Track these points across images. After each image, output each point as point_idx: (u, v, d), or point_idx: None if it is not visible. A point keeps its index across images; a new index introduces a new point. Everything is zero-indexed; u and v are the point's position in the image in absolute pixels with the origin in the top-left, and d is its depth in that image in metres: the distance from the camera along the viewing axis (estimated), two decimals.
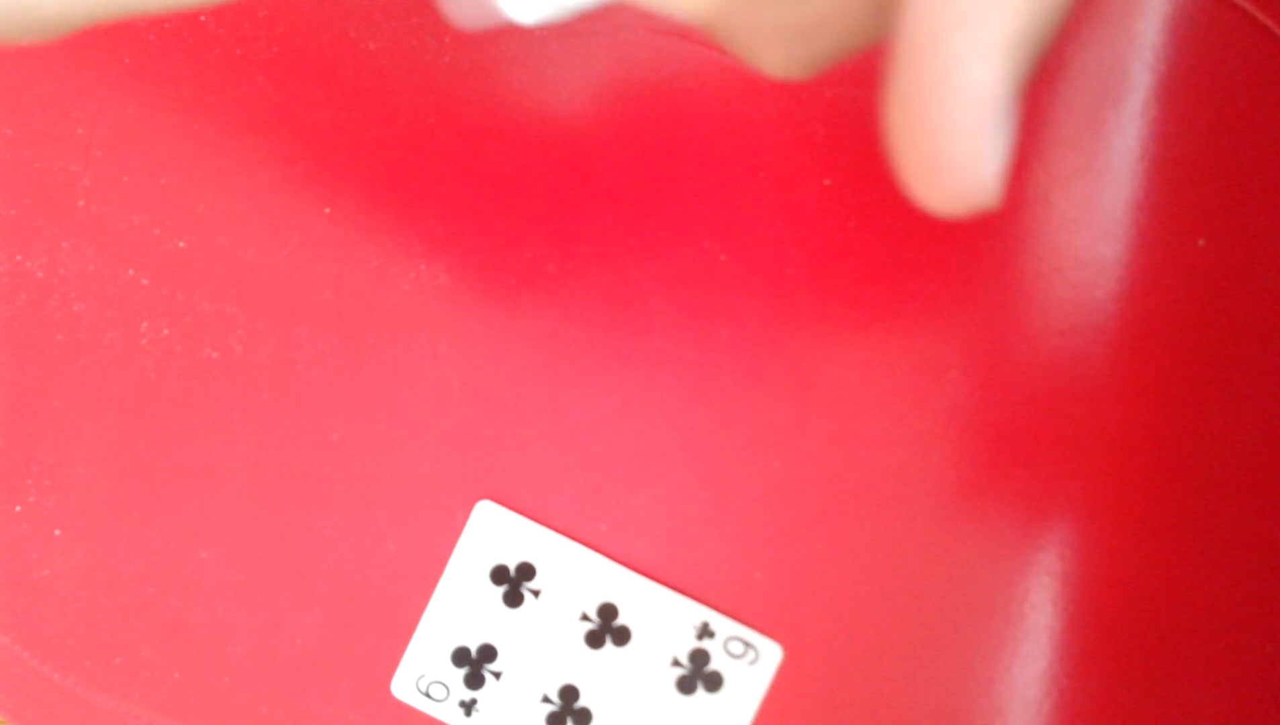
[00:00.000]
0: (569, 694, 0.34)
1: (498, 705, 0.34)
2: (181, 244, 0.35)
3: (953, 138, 0.16)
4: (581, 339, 0.35)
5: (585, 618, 0.34)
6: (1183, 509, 0.34)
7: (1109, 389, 0.34)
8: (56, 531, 0.36)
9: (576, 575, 0.34)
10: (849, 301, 0.35)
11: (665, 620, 0.34)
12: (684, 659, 0.34)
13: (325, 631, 0.35)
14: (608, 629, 0.34)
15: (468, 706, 0.34)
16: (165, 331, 0.35)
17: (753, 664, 0.34)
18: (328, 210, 0.35)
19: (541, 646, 0.34)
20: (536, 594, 0.34)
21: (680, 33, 0.33)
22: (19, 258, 0.35)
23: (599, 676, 0.34)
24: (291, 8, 0.35)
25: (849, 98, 0.34)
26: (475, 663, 0.34)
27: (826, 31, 0.18)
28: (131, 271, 0.35)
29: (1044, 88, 0.34)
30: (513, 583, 0.34)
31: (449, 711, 0.34)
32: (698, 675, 0.34)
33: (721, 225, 0.34)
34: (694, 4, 0.19)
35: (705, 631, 0.34)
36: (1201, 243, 0.34)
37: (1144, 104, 0.34)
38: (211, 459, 0.35)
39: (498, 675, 0.34)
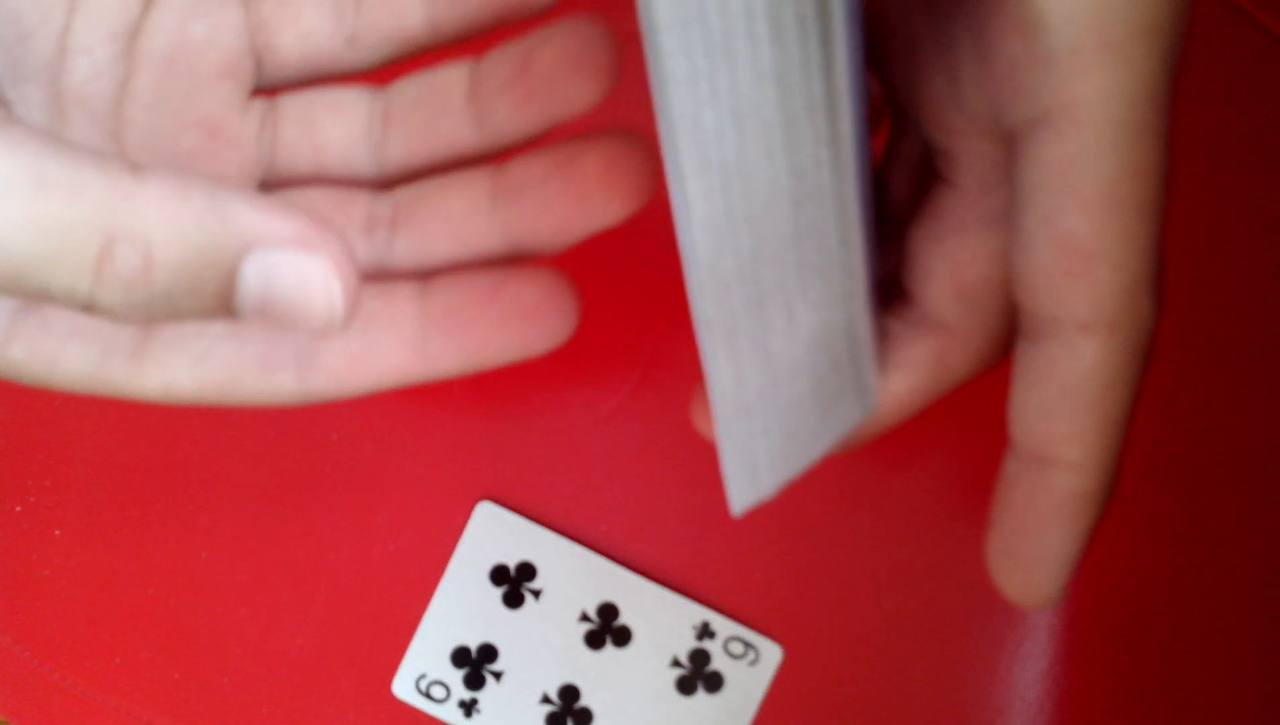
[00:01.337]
0: (569, 694, 0.34)
1: (498, 705, 0.34)
2: None
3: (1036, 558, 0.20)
4: (582, 339, 0.35)
5: (585, 618, 0.34)
6: (1183, 509, 0.34)
7: None
8: (57, 531, 0.36)
9: (576, 575, 0.34)
10: None
11: (665, 620, 0.34)
12: (684, 659, 0.34)
13: (325, 632, 0.35)
14: (608, 629, 0.34)
15: (468, 707, 0.34)
16: None
17: (753, 664, 0.34)
18: None
19: (542, 647, 0.34)
20: (536, 594, 0.34)
21: None
22: None
23: (599, 676, 0.34)
24: None
25: None
26: (475, 663, 0.34)
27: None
28: None
29: None
30: (513, 583, 0.34)
31: (449, 712, 0.34)
32: (698, 675, 0.34)
33: None
34: None
35: (705, 631, 0.34)
36: (1202, 243, 0.34)
37: None
38: (211, 459, 0.36)
39: (498, 675, 0.34)
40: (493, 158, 0.22)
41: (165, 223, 0.17)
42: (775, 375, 0.20)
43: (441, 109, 0.22)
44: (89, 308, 0.17)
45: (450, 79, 0.22)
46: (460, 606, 0.34)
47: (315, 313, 0.18)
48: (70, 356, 0.20)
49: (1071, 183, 0.17)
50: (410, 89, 0.22)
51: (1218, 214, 0.34)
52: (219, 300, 0.17)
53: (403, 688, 0.34)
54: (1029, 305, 0.19)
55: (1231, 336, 0.34)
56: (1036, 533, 0.20)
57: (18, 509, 0.36)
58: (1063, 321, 0.18)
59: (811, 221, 0.19)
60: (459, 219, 0.21)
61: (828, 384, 0.21)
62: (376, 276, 0.22)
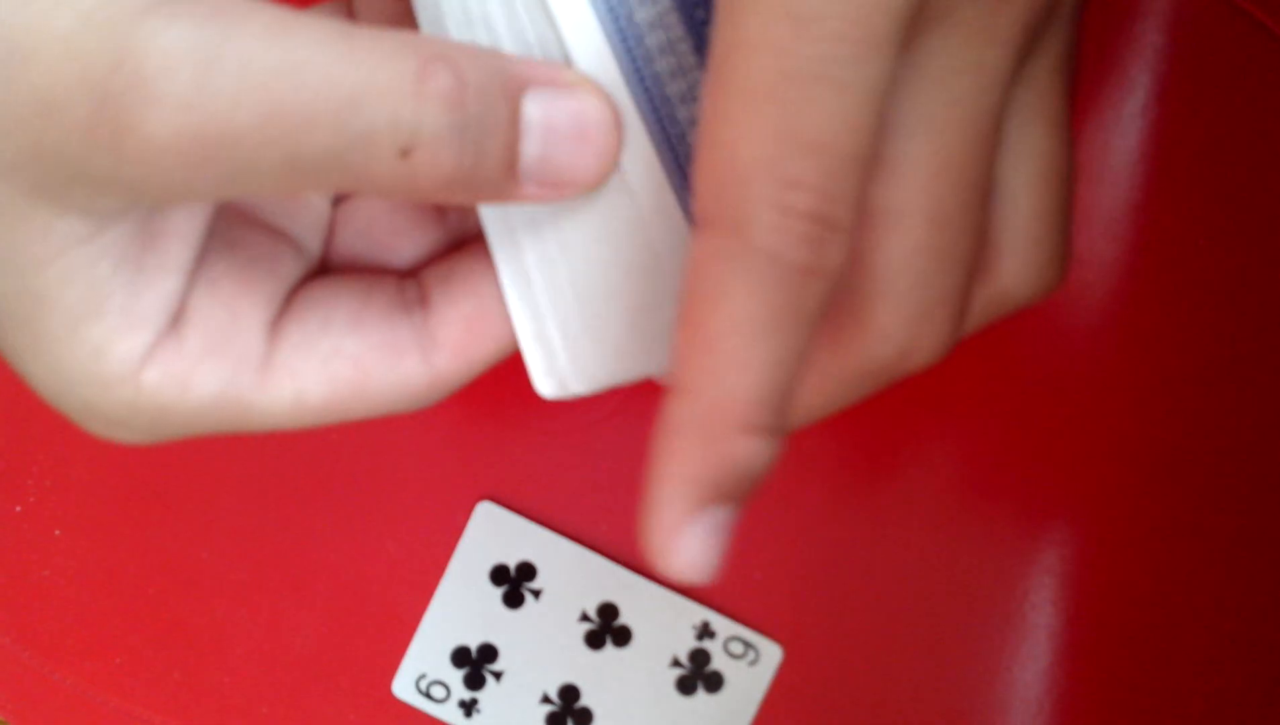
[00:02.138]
0: (569, 694, 0.34)
1: (498, 705, 0.34)
2: None
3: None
4: None
5: (585, 618, 0.34)
6: (1183, 509, 0.34)
7: (1109, 389, 0.34)
8: (56, 531, 0.36)
9: (576, 575, 0.34)
10: None
11: (665, 620, 0.34)
12: (684, 659, 0.34)
13: (325, 632, 0.35)
14: (608, 629, 0.34)
15: (468, 707, 0.34)
16: None
17: (753, 664, 0.34)
18: None
19: (542, 646, 0.34)
20: (536, 594, 0.34)
21: None
22: None
23: (599, 676, 0.34)
24: None
25: None
26: (475, 663, 0.34)
27: None
28: None
29: None
30: (513, 583, 0.34)
31: (449, 712, 0.34)
32: (698, 675, 0.34)
33: None
34: None
35: (705, 631, 0.34)
36: (1201, 243, 0.34)
37: (1144, 104, 0.34)
38: (211, 459, 0.36)
39: (498, 675, 0.34)
40: None
41: (462, 51, 0.18)
42: (550, 252, 0.21)
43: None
44: (411, 142, 0.18)
45: None
46: (460, 606, 0.34)
47: (588, 156, 0.19)
48: (202, 375, 0.20)
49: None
50: None
51: (1217, 214, 0.34)
52: (510, 140, 0.18)
53: (403, 688, 0.34)
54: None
55: (1231, 336, 0.34)
56: None
57: (18, 509, 0.36)
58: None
59: None
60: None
61: (649, 296, 0.21)
62: (450, 249, 0.24)
